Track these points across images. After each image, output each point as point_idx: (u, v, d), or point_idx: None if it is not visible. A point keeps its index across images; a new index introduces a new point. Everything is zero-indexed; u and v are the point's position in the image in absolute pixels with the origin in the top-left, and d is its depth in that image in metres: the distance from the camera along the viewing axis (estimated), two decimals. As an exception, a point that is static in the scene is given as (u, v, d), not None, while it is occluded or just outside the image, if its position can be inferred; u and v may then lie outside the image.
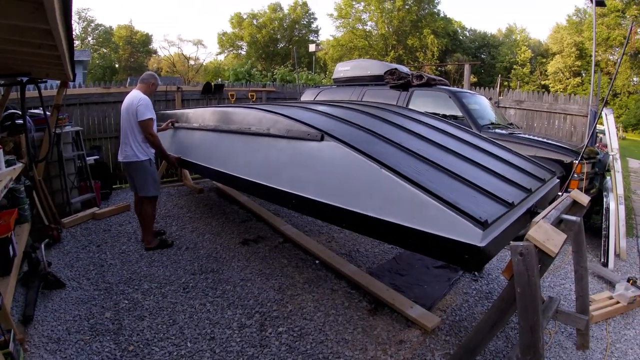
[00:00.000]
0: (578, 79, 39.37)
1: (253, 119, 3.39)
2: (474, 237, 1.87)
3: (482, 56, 46.64)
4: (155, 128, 4.44)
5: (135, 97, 4.28)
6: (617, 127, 6.29)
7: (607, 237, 4.67)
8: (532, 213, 2.46)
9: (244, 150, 3.52)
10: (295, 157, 2.92)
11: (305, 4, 47.15)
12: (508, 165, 3.10)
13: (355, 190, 2.43)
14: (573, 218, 2.38)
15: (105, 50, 46.50)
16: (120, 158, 4.47)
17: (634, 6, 31.21)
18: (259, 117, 3.33)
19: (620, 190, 4.85)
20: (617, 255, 4.76)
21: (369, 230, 2.44)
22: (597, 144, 8.82)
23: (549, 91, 10.26)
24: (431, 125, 3.65)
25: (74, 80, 4.81)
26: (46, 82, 5.70)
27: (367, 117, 3.37)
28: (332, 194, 2.58)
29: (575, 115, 8.04)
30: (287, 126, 2.94)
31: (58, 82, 5.20)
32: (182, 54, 51.79)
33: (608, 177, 5.40)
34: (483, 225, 1.86)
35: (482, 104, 6.60)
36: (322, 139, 2.62)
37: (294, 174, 2.94)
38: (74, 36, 2.69)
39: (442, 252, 2.06)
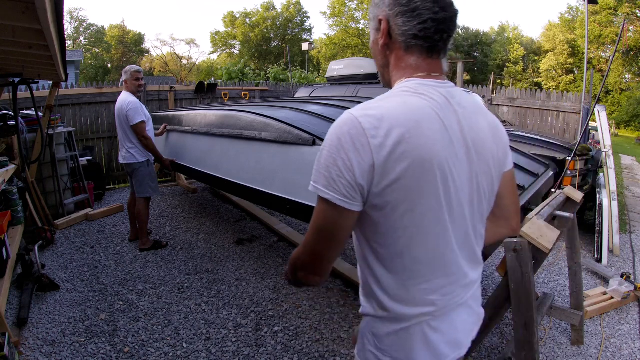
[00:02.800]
0: (570, 77, 39.55)
1: (245, 122, 3.36)
2: None
3: (475, 54, 46.78)
4: (150, 128, 4.41)
5: (124, 101, 4.25)
6: (609, 124, 6.33)
7: (601, 233, 4.70)
8: (525, 210, 2.47)
9: (236, 154, 3.48)
10: (287, 161, 2.89)
11: (298, 2, 47.05)
12: None
13: None
14: (566, 214, 2.39)
15: (97, 50, 46.18)
16: (120, 160, 4.48)
17: (626, 4, 31.40)
18: (249, 120, 3.30)
19: (613, 186, 4.88)
20: (610, 251, 4.79)
21: None
22: (590, 141, 8.87)
23: (541, 89, 10.29)
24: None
25: (66, 81, 4.77)
26: (38, 82, 5.67)
27: None
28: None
29: (568, 112, 8.09)
30: (278, 131, 2.91)
31: (50, 82, 5.17)
32: (175, 53, 51.63)
33: (601, 174, 5.43)
34: None
35: (475, 101, 6.62)
36: (313, 144, 2.61)
37: (287, 178, 2.91)
38: (65, 36, 2.67)
39: None
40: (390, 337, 1.08)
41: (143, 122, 4.24)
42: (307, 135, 2.67)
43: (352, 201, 0.93)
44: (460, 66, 12.09)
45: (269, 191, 3.00)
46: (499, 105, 9.07)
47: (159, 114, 5.69)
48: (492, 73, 28.79)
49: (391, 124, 0.91)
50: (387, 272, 1.03)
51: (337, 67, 8.45)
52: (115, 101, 4.37)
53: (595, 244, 4.74)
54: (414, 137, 0.91)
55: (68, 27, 44.27)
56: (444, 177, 0.96)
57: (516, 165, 3.12)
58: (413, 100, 0.99)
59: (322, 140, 2.56)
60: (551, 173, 3.40)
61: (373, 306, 1.09)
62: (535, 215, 2.12)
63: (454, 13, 1.04)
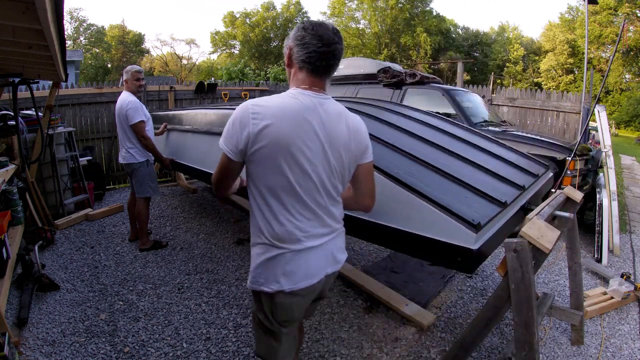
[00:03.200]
0: (570, 77, 39.58)
1: None
2: (467, 239, 1.87)
3: (475, 54, 46.80)
4: (150, 128, 4.40)
5: (124, 100, 4.24)
6: (609, 124, 6.33)
7: (601, 233, 4.70)
8: (525, 210, 2.47)
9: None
10: None
11: (298, 2, 47.08)
12: (501, 162, 3.11)
13: None
14: (566, 214, 2.39)
15: (97, 50, 46.22)
16: (120, 160, 4.47)
17: (626, 4, 31.40)
18: None
19: (613, 186, 4.88)
20: (610, 251, 4.79)
21: (363, 234, 2.43)
22: (590, 141, 8.88)
23: (541, 89, 10.30)
24: (424, 122, 3.64)
25: (66, 81, 4.77)
26: (38, 82, 5.66)
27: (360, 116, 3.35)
28: None
29: (568, 112, 8.08)
30: None
31: (50, 82, 5.17)
32: (175, 53, 51.70)
33: (601, 174, 5.44)
34: (476, 227, 1.86)
35: (475, 101, 6.62)
36: None
37: None
38: (65, 36, 2.67)
39: (435, 255, 2.05)
40: (264, 264, 1.63)
41: (142, 121, 4.23)
42: None
43: (235, 155, 1.55)
44: (460, 66, 12.09)
45: None
46: (499, 105, 9.06)
47: (159, 113, 5.68)
48: (492, 73, 28.77)
49: (267, 113, 1.50)
50: (260, 211, 1.61)
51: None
52: (116, 101, 4.37)
53: (595, 244, 4.74)
54: (277, 124, 1.49)
55: (68, 27, 44.30)
56: (291, 154, 1.51)
57: (516, 166, 3.12)
58: (289, 101, 1.56)
59: None
60: (551, 174, 3.40)
61: (255, 235, 1.67)
62: (535, 215, 2.12)
63: (334, 49, 1.58)
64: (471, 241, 1.86)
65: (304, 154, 1.52)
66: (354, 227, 2.41)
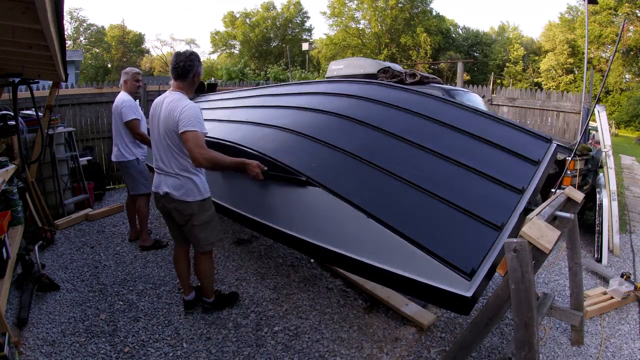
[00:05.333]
0: (570, 77, 39.50)
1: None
2: (461, 287, 1.87)
3: (475, 54, 46.71)
4: (144, 128, 4.44)
5: (119, 99, 4.37)
6: (609, 124, 6.33)
7: (601, 233, 4.70)
8: (526, 210, 2.44)
9: (230, 181, 3.33)
10: (281, 196, 2.83)
11: (298, 2, 47.02)
12: (496, 149, 2.88)
13: (345, 234, 2.40)
14: (567, 215, 2.39)
15: (97, 50, 46.20)
16: (112, 158, 4.55)
17: (626, 4, 31.37)
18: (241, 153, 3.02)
19: (613, 186, 4.88)
20: (610, 251, 4.79)
21: (365, 274, 2.41)
22: (590, 141, 8.86)
23: (541, 89, 10.30)
24: (417, 113, 3.35)
25: (66, 81, 4.77)
26: (38, 82, 5.66)
27: (353, 125, 3.14)
28: (323, 236, 2.53)
29: (568, 112, 8.09)
30: (270, 166, 2.80)
31: (50, 82, 5.16)
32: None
33: (601, 174, 5.43)
34: (469, 275, 1.86)
35: (475, 101, 6.61)
36: (306, 184, 2.54)
37: (281, 211, 2.86)
38: (65, 36, 2.67)
39: (432, 298, 2.08)
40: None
41: (136, 119, 4.31)
42: (299, 174, 2.59)
43: None
44: (460, 66, 12.08)
45: (263, 221, 2.95)
46: (499, 105, 9.07)
47: None
48: (492, 73, 28.76)
49: (153, 103, 3.03)
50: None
51: (337, 67, 8.43)
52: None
53: (595, 244, 4.74)
54: (154, 106, 3.00)
55: (68, 27, 44.28)
56: (152, 122, 2.98)
57: (514, 154, 2.79)
58: (159, 97, 3.02)
59: (313, 180, 2.51)
60: (554, 146, 3.04)
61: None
62: (536, 215, 2.11)
63: (181, 66, 2.85)
64: (465, 288, 1.86)
65: (152, 122, 2.95)
66: (357, 269, 2.40)
